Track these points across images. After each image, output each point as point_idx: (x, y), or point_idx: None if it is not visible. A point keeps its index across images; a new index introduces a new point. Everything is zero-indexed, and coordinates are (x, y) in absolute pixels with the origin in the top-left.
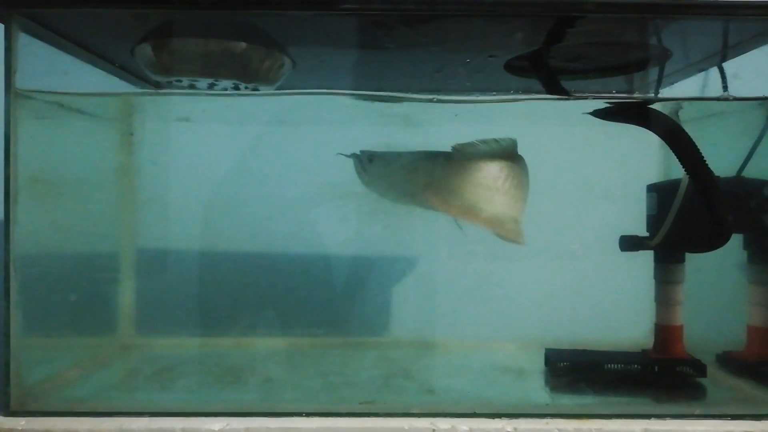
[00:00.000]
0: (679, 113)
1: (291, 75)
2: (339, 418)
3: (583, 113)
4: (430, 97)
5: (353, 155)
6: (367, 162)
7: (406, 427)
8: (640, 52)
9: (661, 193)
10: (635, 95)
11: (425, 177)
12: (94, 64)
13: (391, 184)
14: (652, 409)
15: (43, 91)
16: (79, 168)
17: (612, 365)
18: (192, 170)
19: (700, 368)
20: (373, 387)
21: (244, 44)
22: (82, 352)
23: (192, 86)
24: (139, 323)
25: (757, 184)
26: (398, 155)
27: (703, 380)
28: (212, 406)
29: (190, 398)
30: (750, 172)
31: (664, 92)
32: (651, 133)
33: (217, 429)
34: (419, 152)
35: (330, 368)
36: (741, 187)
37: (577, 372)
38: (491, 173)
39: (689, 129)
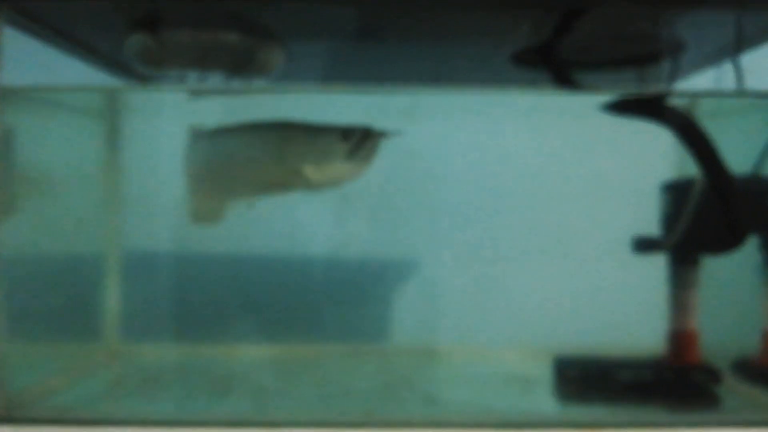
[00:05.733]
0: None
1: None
2: (336, 430)
3: (595, 108)
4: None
5: None
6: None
7: None
8: (653, 44)
9: (675, 193)
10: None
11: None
12: (81, 57)
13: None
14: (665, 418)
15: (29, 87)
16: (65, 165)
17: (624, 373)
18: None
19: (714, 375)
20: (373, 397)
21: (236, 35)
22: (67, 360)
23: (182, 79)
24: (125, 329)
25: None
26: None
27: (718, 387)
28: (202, 416)
29: (178, 408)
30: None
31: (678, 86)
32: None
33: None
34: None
35: (327, 377)
36: (757, 186)
37: (588, 381)
38: None
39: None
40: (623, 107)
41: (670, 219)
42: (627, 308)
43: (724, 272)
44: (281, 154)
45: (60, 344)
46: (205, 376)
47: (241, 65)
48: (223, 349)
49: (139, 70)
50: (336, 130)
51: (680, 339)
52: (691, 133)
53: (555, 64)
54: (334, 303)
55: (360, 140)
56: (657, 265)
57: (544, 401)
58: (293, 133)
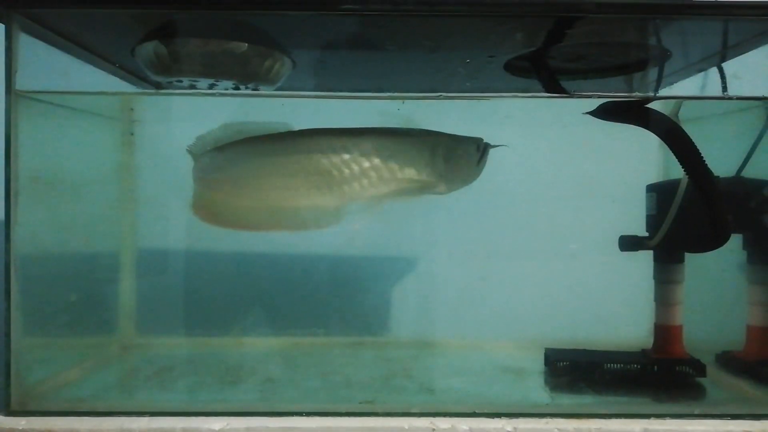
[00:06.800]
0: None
1: (291, 75)
2: (339, 418)
3: (583, 113)
4: (436, 95)
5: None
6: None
7: (406, 427)
8: (640, 53)
9: (660, 193)
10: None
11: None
12: (94, 64)
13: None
14: (651, 409)
15: (43, 91)
16: (80, 168)
17: (611, 365)
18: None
19: (699, 368)
20: (374, 387)
21: (244, 44)
22: (82, 352)
23: (192, 86)
24: (139, 323)
25: (757, 184)
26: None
27: (702, 380)
28: (212, 405)
29: (190, 398)
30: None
31: (664, 92)
32: (650, 132)
33: (217, 429)
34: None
35: (330, 368)
36: (740, 187)
37: (577, 372)
38: None
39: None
40: (610, 112)
41: (655, 218)
42: (615, 304)
43: (709, 269)
44: (428, 159)
45: (76, 338)
46: (216, 367)
47: (249, 74)
48: (232, 341)
49: (151, 77)
50: (467, 139)
51: (666, 333)
52: (675, 137)
53: (546, 72)
54: (338, 298)
55: (485, 149)
56: (643, 262)
57: (536, 390)
58: (439, 140)
